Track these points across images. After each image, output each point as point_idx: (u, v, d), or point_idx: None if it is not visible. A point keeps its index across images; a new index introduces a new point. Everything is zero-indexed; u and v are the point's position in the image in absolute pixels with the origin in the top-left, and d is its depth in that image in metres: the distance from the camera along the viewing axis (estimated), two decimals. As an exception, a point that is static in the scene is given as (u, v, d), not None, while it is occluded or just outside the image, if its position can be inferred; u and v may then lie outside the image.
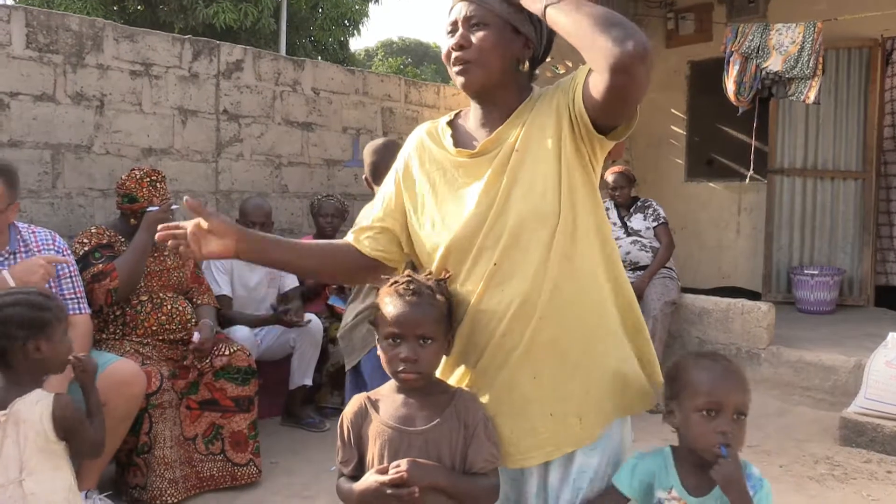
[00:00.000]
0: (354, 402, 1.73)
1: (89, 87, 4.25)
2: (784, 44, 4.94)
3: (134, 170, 3.58)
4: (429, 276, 1.69)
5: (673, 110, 7.42)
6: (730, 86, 5.13)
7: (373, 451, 1.67)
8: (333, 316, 4.73)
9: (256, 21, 12.55)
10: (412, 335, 1.61)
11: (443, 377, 1.77)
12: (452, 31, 1.66)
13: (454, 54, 1.64)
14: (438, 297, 1.64)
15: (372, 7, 16.48)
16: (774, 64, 4.95)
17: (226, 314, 4.14)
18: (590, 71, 1.52)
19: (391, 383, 1.71)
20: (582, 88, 1.55)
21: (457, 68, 1.65)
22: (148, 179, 3.54)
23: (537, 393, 1.64)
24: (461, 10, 1.64)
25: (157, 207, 3.50)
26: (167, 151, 4.63)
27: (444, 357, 1.72)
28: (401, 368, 1.62)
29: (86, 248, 3.42)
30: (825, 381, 4.56)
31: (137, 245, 3.45)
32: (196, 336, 3.49)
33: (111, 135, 4.35)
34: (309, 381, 4.38)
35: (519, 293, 1.61)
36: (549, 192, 1.62)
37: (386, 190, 1.85)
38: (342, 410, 1.78)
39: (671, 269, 5.14)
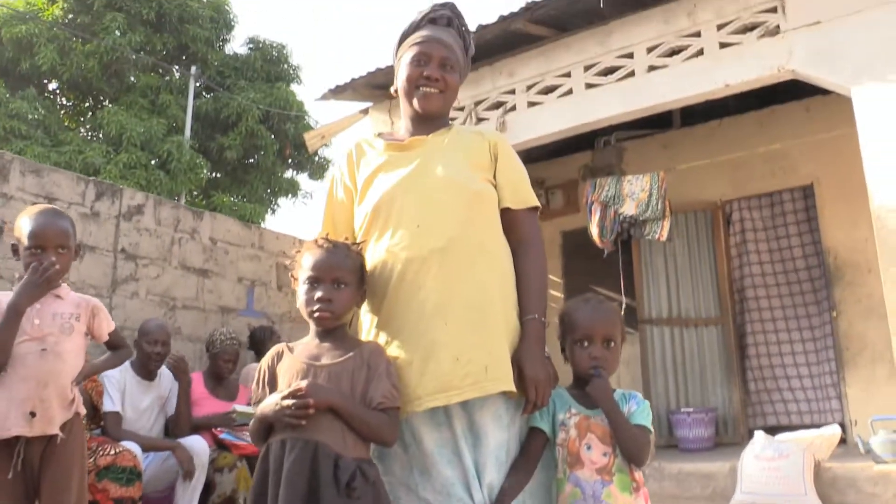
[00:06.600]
0: (274, 349, 1.93)
1: (-9, 214, 4.40)
2: (635, 192, 5.68)
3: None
4: (345, 239, 1.97)
5: (550, 276, 8.04)
6: (594, 230, 5.76)
7: (283, 383, 1.82)
8: (221, 448, 4.66)
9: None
10: (328, 278, 1.85)
11: (363, 323, 2.00)
12: (424, 63, 2.07)
13: (428, 84, 2.07)
14: (353, 250, 1.92)
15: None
16: (629, 209, 5.65)
17: (115, 433, 4.04)
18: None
19: (308, 335, 1.92)
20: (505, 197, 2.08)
21: (425, 91, 2.07)
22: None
23: (447, 338, 1.85)
24: (438, 50, 2.08)
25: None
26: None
27: (356, 308, 1.98)
28: (316, 307, 1.83)
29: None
30: (705, 489, 4.76)
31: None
32: None
33: (6, 261, 4.43)
34: (195, 508, 4.22)
35: (438, 250, 1.90)
36: (464, 172, 2.02)
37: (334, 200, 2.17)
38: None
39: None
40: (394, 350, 1.89)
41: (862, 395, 6.23)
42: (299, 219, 25.46)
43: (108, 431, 4.01)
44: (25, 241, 2.45)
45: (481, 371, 1.84)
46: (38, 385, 2.37)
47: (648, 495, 1.97)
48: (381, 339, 1.93)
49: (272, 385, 1.85)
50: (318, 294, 1.83)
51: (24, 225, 2.48)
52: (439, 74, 2.07)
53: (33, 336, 2.42)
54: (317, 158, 16.94)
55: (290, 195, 16.99)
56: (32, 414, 2.34)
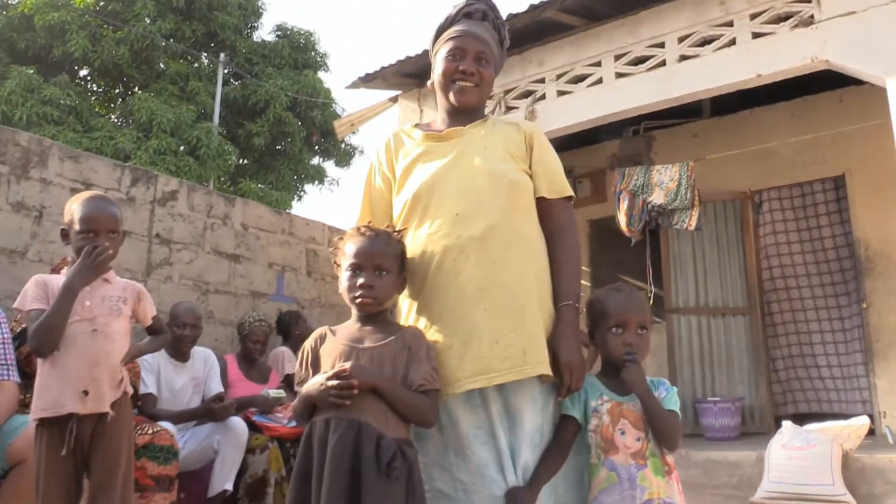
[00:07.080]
0: (317, 332, 1.99)
1: (31, 198, 4.50)
2: (664, 181, 5.68)
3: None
4: (387, 227, 2.02)
5: (577, 265, 8.04)
6: (622, 218, 5.77)
7: (326, 365, 1.88)
8: (253, 429, 4.75)
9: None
10: (370, 265, 1.90)
11: (402, 308, 2.06)
12: (460, 57, 2.12)
13: (464, 78, 2.11)
14: (394, 237, 1.97)
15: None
16: (657, 198, 5.65)
17: (150, 412, 4.14)
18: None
19: (350, 320, 1.97)
20: (540, 183, 2.11)
21: (461, 85, 2.11)
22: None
23: (486, 323, 1.91)
24: (473, 45, 2.12)
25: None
26: (99, 266, 4.80)
27: (397, 294, 2.02)
28: (358, 293, 1.89)
29: (23, 326, 3.50)
30: (732, 478, 4.78)
31: None
32: None
33: (46, 244, 4.54)
34: (230, 487, 4.29)
35: (477, 238, 1.95)
36: (501, 162, 2.07)
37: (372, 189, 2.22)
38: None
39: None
40: (433, 334, 1.94)
41: (891, 386, 6.19)
42: (325, 205, 25.64)
43: (145, 412, 4.11)
44: (77, 226, 2.52)
45: (520, 355, 1.88)
46: (89, 364, 2.45)
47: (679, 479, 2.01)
48: (421, 323, 1.98)
49: (315, 366, 1.91)
50: (361, 281, 1.89)
51: (75, 210, 2.55)
52: (475, 69, 2.11)
53: (84, 317, 2.50)
54: (343, 145, 17.02)
55: (316, 182, 17.13)
56: (85, 392, 2.43)
